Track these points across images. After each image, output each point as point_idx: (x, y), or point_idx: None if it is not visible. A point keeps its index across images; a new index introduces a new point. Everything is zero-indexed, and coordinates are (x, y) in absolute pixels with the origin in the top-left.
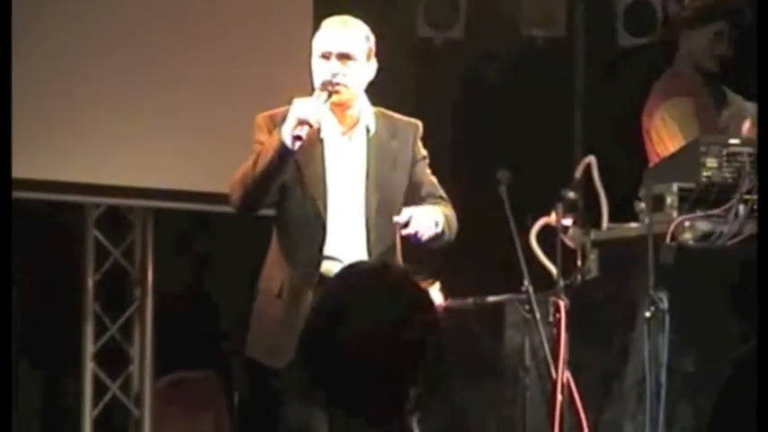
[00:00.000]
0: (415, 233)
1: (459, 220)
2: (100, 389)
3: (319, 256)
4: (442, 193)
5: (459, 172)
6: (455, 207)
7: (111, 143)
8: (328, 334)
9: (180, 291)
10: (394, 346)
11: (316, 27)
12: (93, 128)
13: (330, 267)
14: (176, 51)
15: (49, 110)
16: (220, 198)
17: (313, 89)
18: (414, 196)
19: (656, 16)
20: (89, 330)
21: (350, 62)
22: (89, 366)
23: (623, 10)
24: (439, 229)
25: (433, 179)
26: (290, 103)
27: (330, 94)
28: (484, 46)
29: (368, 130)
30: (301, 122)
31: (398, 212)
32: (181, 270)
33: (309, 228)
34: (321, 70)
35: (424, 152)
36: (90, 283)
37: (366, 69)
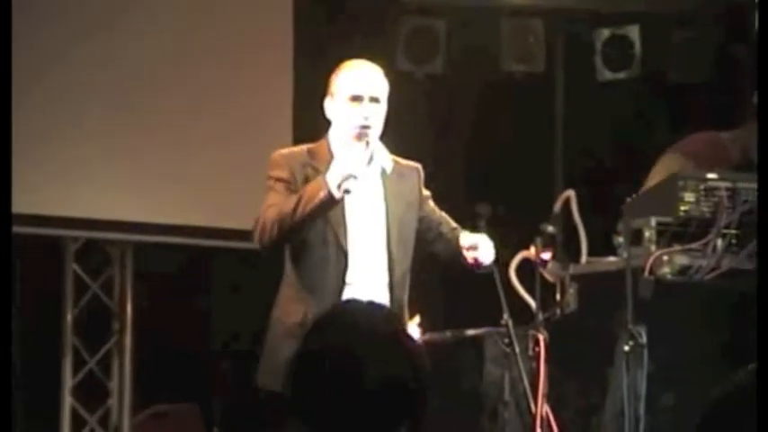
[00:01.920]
0: (477, 258)
1: (437, 254)
2: (78, 423)
3: (342, 285)
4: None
5: (439, 206)
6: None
7: (90, 177)
8: (315, 368)
9: (159, 324)
10: (379, 389)
11: (296, 69)
12: (71, 162)
13: (352, 295)
14: (157, 91)
15: (27, 145)
16: (199, 231)
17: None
18: (432, 230)
19: (633, 50)
20: (68, 364)
21: (378, 105)
22: (67, 400)
23: (601, 45)
24: (494, 257)
25: (444, 213)
26: (271, 144)
27: (367, 144)
28: (463, 81)
29: (383, 170)
30: (350, 176)
31: (411, 251)
32: (160, 303)
33: (332, 259)
34: (354, 114)
35: (426, 192)
36: (69, 316)
37: (385, 111)
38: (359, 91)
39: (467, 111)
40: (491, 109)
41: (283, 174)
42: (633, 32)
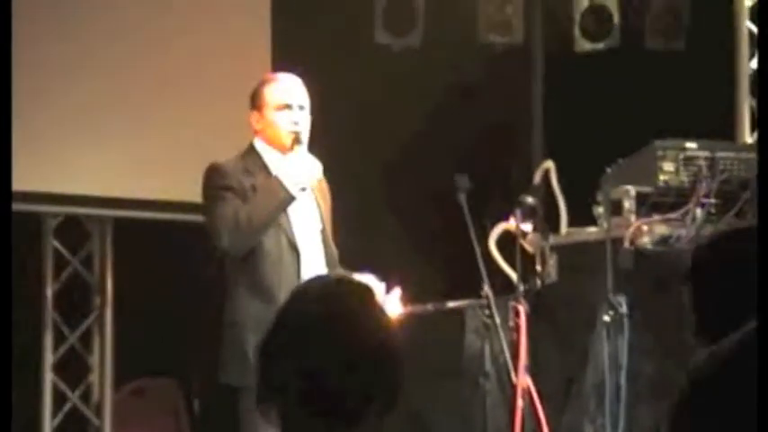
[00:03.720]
0: None
1: (418, 226)
2: (59, 399)
3: (299, 281)
4: None
5: (418, 178)
6: (415, 213)
7: (69, 153)
8: (285, 345)
9: (140, 299)
10: (352, 362)
11: (274, 47)
12: (51, 137)
13: None
14: (139, 64)
15: None
16: (178, 206)
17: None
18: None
19: (612, 21)
20: (48, 340)
21: (305, 113)
22: (48, 376)
23: (580, 15)
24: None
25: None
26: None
27: (296, 143)
28: (442, 53)
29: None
30: (309, 177)
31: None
32: (140, 278)
33: (286, 259)
34: (286, 120)
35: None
36: (49, 292)
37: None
38: (288, 100)
39: (445, 83)
40: (469, 81)
41: (229, 182)
42: (611, 2)
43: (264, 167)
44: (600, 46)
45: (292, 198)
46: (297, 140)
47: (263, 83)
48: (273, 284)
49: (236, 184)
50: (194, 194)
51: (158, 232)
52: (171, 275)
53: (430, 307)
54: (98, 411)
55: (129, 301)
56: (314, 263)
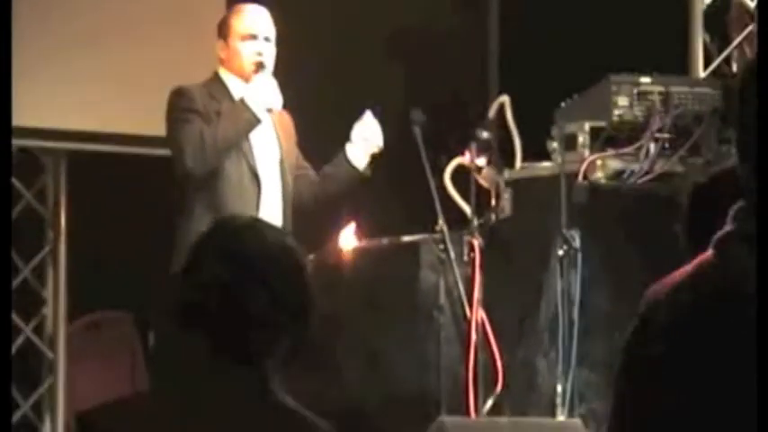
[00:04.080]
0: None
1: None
2: (13, 332)
3: (258, 208)
4: None
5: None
6: None
7: (23, 85)
8: (201, 274)
9: (94, 233)
10: (259, 291)
11: None
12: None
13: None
14: (92, 2)
15: None
16: (133, 139)
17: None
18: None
19: None
20: None
21: (270, 44)
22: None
23: None
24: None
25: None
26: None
27: (260, 68)
28: None
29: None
30: (274, 99)
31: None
32: (94, 212)
33: (247, 184)
34: (250, 49)
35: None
36: None
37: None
38: (253, 30)
39: (400, 17)
40: (425, 14)
41: (195, 105)
42: None
43: (228, 95)
44: None
45: (257, 119)
46: (260, 66)
47: (230, 13)
48: (233, 209)
49: (201, 107)
50: (150, 127)
51: (113, 165)
52: (126, 209)
53: (384, 241)
54: (52, 344)
55: (84, 234)
56: (273, 192)
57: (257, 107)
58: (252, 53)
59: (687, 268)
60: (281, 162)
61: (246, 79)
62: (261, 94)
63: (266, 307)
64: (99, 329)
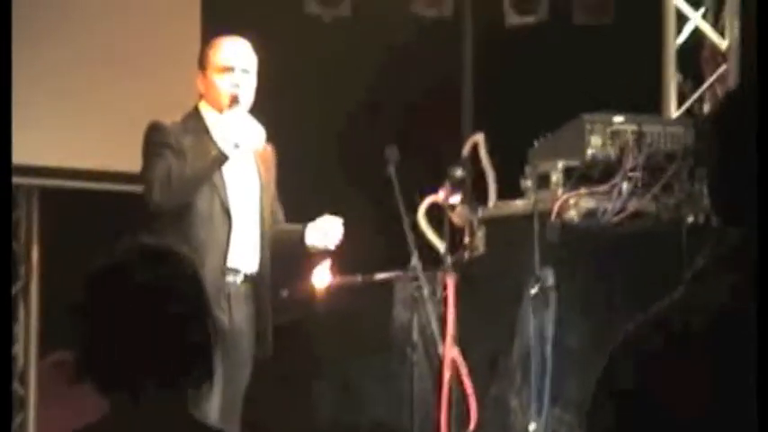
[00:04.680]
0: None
1: (346, 199)
2: None
3: (227, 245)
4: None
5: (348, 150)
6: (345, 184)
7: None
8: (105, 308)
9: (66, 269)
10: (171, 332)
11: (204, 11)
12: None
13: (235, 254)
14: (68, 37)
15: None
16: (107, 176)
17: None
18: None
19: None
20: None
21: (249, 76)
22: None
23: None
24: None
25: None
26: (181, 84)
27: (233, 103)
28: (372, 24)
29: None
30: (242, 135)
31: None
32: (67, 248)
33: (217, 220)
34: (226, 83)
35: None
36: None
37: (255, 83)
38: (230, 62)
39: (375, 54)
40: (400, 52)
41: (168, 139)
42: None
43: (205, 129)
44: (529, 20)
45: (225, 157)
46: (234, 101)
47: (209, 45)
48: (202, 245)
49: (174, 142)
50: (122, 164)
51: (86, 202)
52: (98, 246)
53: (359, 278)
54: (22, 380)
55: (56, 271)
56: (246, 227)
57: (225, 144)
58: (228, 86)
59: (658, 307)
60: (261, 197)
61: (222, 110)
62: (231, 129)
63: (180, 333)
64: (66, 367)
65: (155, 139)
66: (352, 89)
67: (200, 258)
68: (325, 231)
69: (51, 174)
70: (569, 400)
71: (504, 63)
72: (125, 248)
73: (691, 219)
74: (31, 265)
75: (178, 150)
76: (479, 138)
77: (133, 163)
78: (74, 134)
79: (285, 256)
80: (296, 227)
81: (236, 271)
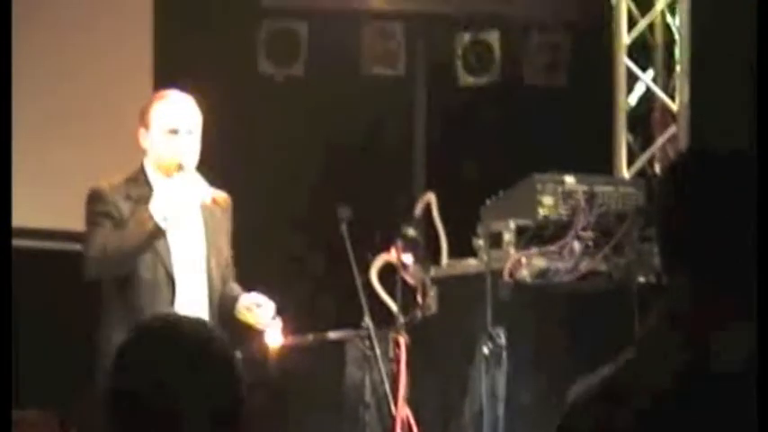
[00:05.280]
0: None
1: (299, 258)
2: None
3: (171, 310)
4: None
5: (300, 209)
6: (296, 243)
7: None
8: (129, 382)
9: (16, 330)
10: (193, 400)
11: (156, 74)
12: None
13: None
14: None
15: None
16: (56, 235)
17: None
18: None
19: (493, 55)
20: None
21: (193, 137)
22: None
23: (462, 49)
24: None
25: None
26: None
27: (179, 170)
28: (325, 83)
29: (201, 200)
30: (179, 205)
31: (223, 274)
32: (17, 309)
33: (161, 286)
34: (170, 147)
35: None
36: None
37: (199, 142)
38: (174, 124)
39: (328, 113)
40: (352, 111)
41: (107, 208)
42: (492, 37)
43: (148, 193)
44: (482, 80)
45: (160, 230)
46: (179, 168)
47: (152, 100)
48: (148, 312)
49: (114, 210)
50: (66, 222)
51: (28, 261)
52: (49, 306)
53: (311, 338)
54: None
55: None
56: (192, 291)
57: (160, 216)
58: (172, 150)
59: (607, 368)
60: (208, 260)
61: (167, 173)
62: (167, 202)
63: (194, 406)
64: (22, 427)
65: (93, 207)
66: (304, 148)
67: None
68: (258, 304)
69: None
70: None
71: (457, 122)
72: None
73: (642, 279)
74: None
75: (118, 219)
76: (431, 197)
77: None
78: (25, 193)
79: (231, 319)
80: (234, 294)
81: None
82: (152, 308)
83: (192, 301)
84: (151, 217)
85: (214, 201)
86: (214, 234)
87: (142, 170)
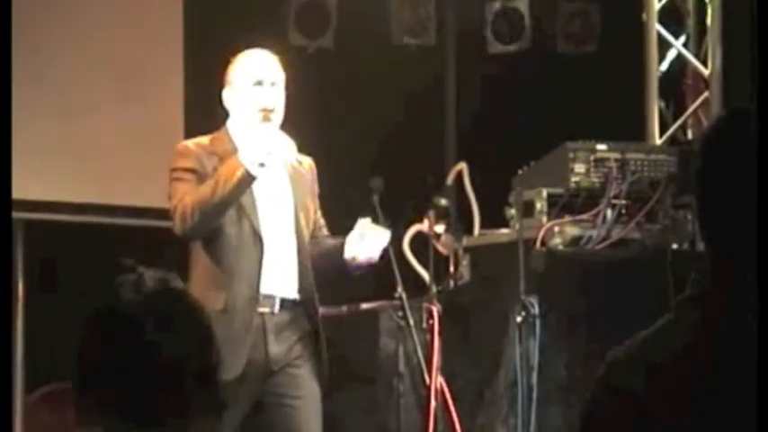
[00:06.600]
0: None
1: (333, 227)
2: None
3: (259, 270)
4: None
5: (333, 180)
6: (329, 215)
7: None
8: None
9: (51, 303)
10: (174, 369)
11: (187, 48)
12: None
13: (269, 280)
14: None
15: None
16: (94, 209)
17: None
18: (316, 230)
19: (524, 23)
20: None
21: (278, 89)
22: None
23: (492, 17)
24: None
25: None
26: (165, 120)
27: (265, 120)
28: (355, 54)
29: (288, 157)
30: (268, 152)
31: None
32: (52, 282)
33: (248, 245)
34: (256, 98)
35: (317, 189)
36: None
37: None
38: (259, 76)
39: (359, 84)
40: (383, 82)
41: (191, 164)
42: (522, 4)
43: (233, 149)
44: (512, 48)
45: (251, 177)
46: (265, 118)
47: (234, 60)
48: (233, 272)
49: (199, 165)
50: (107, 196)
51: (70, 235)
52: (85, 279)
53: (344, 309)
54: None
55: (41, 304)
56: (280, 251)
57: (251, 164)
58: (257, 101)
59: (645, 332)
60: (296, 217)
61: (253, 126)
62: (257, 148)
63: (170, 366)
64: (56, 401)
65: (178, 163)
66: (335, 119)
67: (229, 286)
68: (366, 241)
69: (35, 207)
70: (556, 427)
71: (488, 92)
72: (124, 285)
73: (675, 246)
74: (16, 299)
75: (203, 174)
76: (463, 166)
77: (120, 196)
78: (59, 167)
79: (331, 274)
80: (336, 241)
81: (270, 298)
82: (239, 265)
83: (281, 260)
84: (241, 164)
85: (299, 162)
86: (302, 193)
87: (225, 130)
